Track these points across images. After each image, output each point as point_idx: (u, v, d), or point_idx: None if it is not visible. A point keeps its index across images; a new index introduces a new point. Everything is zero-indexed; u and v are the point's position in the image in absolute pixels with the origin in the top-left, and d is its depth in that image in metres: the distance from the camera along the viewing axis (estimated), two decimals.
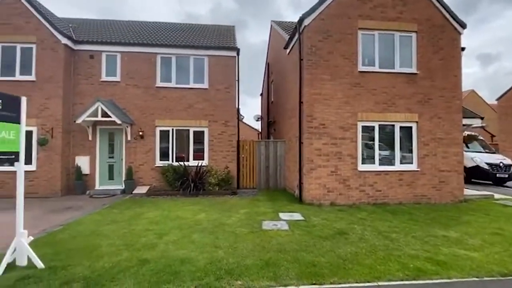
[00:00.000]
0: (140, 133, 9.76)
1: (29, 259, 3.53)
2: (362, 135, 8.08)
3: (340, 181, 7.84)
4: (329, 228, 5.45)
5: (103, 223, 5.65)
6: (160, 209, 6.91)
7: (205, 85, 10.23)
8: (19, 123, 3.61)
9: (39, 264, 3.48)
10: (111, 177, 9.88)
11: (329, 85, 7.93)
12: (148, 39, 10.28)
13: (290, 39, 9.26)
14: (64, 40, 9.19)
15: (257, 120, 17.73)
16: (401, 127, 8.22)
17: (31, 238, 3.70)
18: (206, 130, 10.20)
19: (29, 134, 8.93)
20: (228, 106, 10.29)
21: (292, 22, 12.86)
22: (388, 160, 8.21)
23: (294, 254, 4.06)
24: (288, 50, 9.92)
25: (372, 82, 8.12)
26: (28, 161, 8.91)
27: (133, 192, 9.29)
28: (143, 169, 9.87)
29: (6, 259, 3.38)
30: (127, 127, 9.66)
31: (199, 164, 9.59)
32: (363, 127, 8.08)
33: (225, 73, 10.30)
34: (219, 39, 11.06)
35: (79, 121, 8.96)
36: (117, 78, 9.90)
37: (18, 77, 9.03)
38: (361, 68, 8.11)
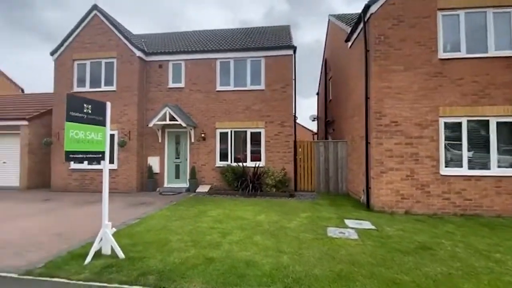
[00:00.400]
0: (202, 135, 10.28)
1: (112, 249, 3.89)
2: (445, 133, 6.89)
3: (417, 187, 6.81)
4: (409, 241, 4.70)
5: (172, 219, 6.01)
6: (222, 208, 7.06)
7: (261, 86, 10.23)
8: (104, 126, 4.03)
9: (120, 254, 3.80)
10: (177, 176, 10.65)
11: (402, 76, 7.00)
12: (208, 46, 10.81)
13: (353, 30, 8.54)
14: (138, 53, 10.32)
15: (313, 120, 17.06)
16: (498, 123, 6.73)
17: (114, 229, 4.08)
18: (262, 131, 10.17)
19: (111, 136, 10.26)
20: (284, 106, 10.07)
21: (352, 14, 11.96)
22: (480, 163, 6.80)
23: (370, 268, 3.56)
24: (349, 43, 9.18)
25: (456, 70, 6.86)
26: (111, 160, 10.23)
27: (196, 190, 9.82)
28: (205, 169, 10.37)
29: (94, 247, 3.78)
30: (191, 129, 10.28)
31: (257, 165, 9.59)
32: (446, 123, 6.88)
33: (281, 73, 10.12)
34: (275, 39, 10.97)
35: (150, 124, 9.92)
36: (182, 84, 10.66)
37: (103, 87, 10.50)
38: (442, 55, 6.94)
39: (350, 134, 9.35)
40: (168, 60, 10.75)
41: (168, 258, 3.79)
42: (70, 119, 3.47)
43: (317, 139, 17.71)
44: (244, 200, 8.42)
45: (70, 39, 10.72)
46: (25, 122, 10.87)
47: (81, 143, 3.59)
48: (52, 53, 10.83)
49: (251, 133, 10.25)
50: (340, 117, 11.19)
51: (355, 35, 8.57)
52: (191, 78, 10.60)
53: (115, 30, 10.48)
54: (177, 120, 9.73)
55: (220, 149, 10.43)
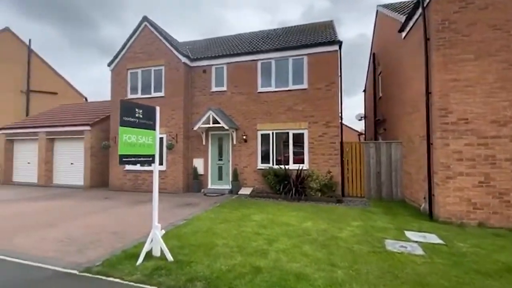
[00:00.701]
0: (244, 137, 10.26)
1: (161, 251, 3.94)
2: None
3: (494, 195, 5.76)
4: (489, 261, 3.93)
5: (217, 221, 6.00)
6: (265, 212, 6.87)
7: (304, 85, 9.83)
8: (154, 129, 4.13)
9: (169, 256, 3.83)
10: (220, 177, 10.81)
11: (472, 66, 6.01)
12: (249, 48, 10.79)
13: (408, 19, 7.66)
14: (184, 59, 10.76)
15: (360, 120, 15.95)
16: None
17: (163, 231, 4.15)
18: (305, 132, 9.74)
19: (160, 140, 10.85)
20: (329, 105, 9.51)
21: (404, 2, 10.85)
22: None
23: None
24: (404, 33, 8.27)
25: None
26: (160, 162, 10.81)
27: (239, 192, 9.82)
28: (246, 171, 10.33)
29: (145, 249, 3.88)
30: (233, 132, 10.35)
31: (300, 168, 9.21)
32: None
33: (325, 70, 9.60)
34: (318, 35, 10.46)
35: (195, 128, 10.24)
36: (224, 87, 10.81)
37: (152, 94, 11.18)
38: None
39: (406, 134, 8.40)
40: (211, 65, 11.01)
41: (215, 264, 3.70)
42: (123, 123, 3.60)
43: (364, 139, 16.54)
44: (287, 204, 8.12)
45: (124, 50, 11.67)
46: (88, 128, 12.14)
47: (133, 146, 3.71)
48: (109, 64, 11.92)
49: (294, 134, 9.90)
50: (393, 115, 10.19)
51: (410, 24, 7.68)
52: (233, 81, 10.69)
53: (162, 39, 11.10)
54: (219, 123, 9.87)
55: (262, 151, 10.29)
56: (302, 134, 9.80)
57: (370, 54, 15.05)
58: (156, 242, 4.00)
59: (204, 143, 10.88)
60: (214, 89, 10.96)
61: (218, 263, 3.73)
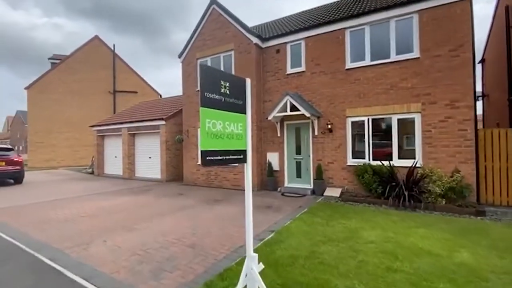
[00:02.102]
0: (329, 126, 8.40)
1: None
2: None
3: None
4: None
5: (315, 238, 4.46)
6: (378, 227, 5.00)
7: (414, 53, 7.32)
8: (245, 113, 2.76)
9: None
10: (298, 175, 9.25)
11: None
12: (333, 16, 8.74)
13: None
14: (255, 40, 9.44)
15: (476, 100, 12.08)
16: None
17: (262, 266, 2.79)
18: (417, 117, 7.29)
19: None
20: (455, 78, 6.82)
21: None
22: None
23: None
24: None
25: None
26: None
27: (324, 194, 8.10)
28: (332, 168, 8.49)
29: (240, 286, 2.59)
30: (314, 120, 8.60)
31: (414, 165, 6.90)
32: None
33: (448, 29, 6.89)
34: None
35: (270, 117, 8.88)
36: (302, 68, 9.08)
37: None
38: None
39: None
40: (286, 43, 9.39)
41: None
42: (206, 103, 2.30)
43: (483, 126, 12.57)
44: (398, 213, 6.04)
45: (193, 38, 11.05)
46: (162, 122, 12.12)
47: (220, 138, 2.40)
48: (179, 55, 11.53)
49: (399, 120, 7.55)
50: None
51: None
52: (313, 59, 8.87)
53: (231, 20, 10.00)
54: (299, 110, 8.25)
55: (353, 143, 8.26)
56: (412, 119, 7.38)
57: (495, 10, 11.09)
58: (253, 280, 2.67)
59: (279, 134, 9.45)
60: (289, 70, 9.35)
61: None
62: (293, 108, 8.46)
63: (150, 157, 12.99)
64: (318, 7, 11.57)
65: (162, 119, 12.14)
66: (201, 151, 2.26)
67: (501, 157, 6.57)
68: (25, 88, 19.95)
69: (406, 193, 6.54)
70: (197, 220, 5.82)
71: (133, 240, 4.54)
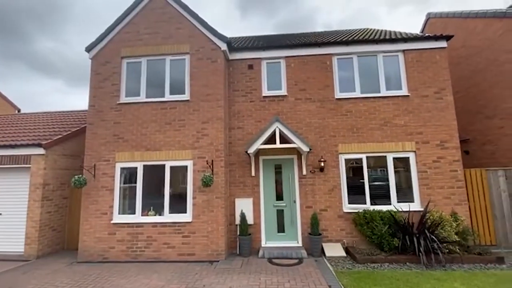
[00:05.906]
0: (321, 163, 6.80)
1: None
2: None
3: None
4: None
5: None
6: None
7: (403, 91, 7.12)
8: None
9: None
10: (281, 229, 6.92)
11: None
12: (320, 39, 7.77)
13: None
14: (224, 47, 7.05)
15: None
16: None
17: None
18: (412, 156, 6.86)
19: (184, 169, 6.61)
20: (442, 120, 6.92)
21: None
22: None
23: None
24: None
25: None
26: (182, 208, 6.51)
27: (326, 254, 6.15)
28: (326, 216, 6.77)
29: None
30: (304, 156, 6.82)
31: (427, 210, 6.15)
32: None
33: (432, 72, 7.11)
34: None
35: (251, 150, 6.43)
36: (283, 91, 7.37)
37: (167, 97, 6.96)
38: None
39: None
40: (261, 58, 7.52)
41: None
42: None
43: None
44: (444, 273, 4.86)
45: (118, 28, 7.38)
46: (39, 150, 7.03)
47: None
48: (88, 48, 7.36)
49: (394, 159, 6.91)
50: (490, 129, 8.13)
51: None
52: (296, 82, 7.36)
53: (187, 14, 7.27)
54: (288, 142, 6.31)
55: (349, 185, 6.94)
56: (407, 158, 6.89)
57: None
58: None
59: (253, 173, 7.02)
60: (266, 92, 7.41)
61: None
62: (282, 140, 6.44)
63: (0, 214, 7.15)
64: (304, 32, 10.58)
65: (38, 145, 7.06)
66: None
67: (480, 197, 6.82)
68: None
69: (429, 245, 5.57)
70: None
71: None
